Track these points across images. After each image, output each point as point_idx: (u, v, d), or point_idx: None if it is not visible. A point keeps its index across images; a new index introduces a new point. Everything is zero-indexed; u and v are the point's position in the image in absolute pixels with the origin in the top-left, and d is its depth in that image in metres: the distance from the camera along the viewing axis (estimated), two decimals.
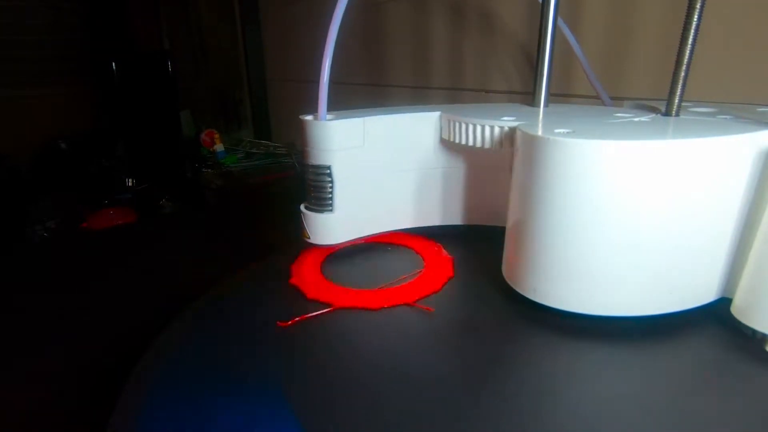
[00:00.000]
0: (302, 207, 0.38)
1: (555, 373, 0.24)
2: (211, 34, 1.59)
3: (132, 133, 1.37)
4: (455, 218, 0.42)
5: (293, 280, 0.34)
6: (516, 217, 0.30)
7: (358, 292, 0.33)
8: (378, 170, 0.38)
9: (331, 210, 0.37)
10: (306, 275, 0.35)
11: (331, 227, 0.38)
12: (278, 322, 0.29)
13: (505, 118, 0.32)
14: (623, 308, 0.27)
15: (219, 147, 1.28)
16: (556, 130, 0.27)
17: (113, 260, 0.55)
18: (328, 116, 0.36)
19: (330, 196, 0.37)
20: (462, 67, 0.71)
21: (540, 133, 0.27)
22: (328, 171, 0.36)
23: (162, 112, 1.37)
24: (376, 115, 0.37)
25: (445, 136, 0.37)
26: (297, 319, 0.30)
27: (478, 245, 0.39)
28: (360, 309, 0.31)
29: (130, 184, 1.32)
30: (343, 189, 0.37)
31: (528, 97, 0.42)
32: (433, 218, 0.42)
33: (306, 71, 1.10)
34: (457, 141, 0.35)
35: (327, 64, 0.33)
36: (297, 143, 1.21)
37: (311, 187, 0.37)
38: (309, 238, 0.38)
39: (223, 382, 0.25)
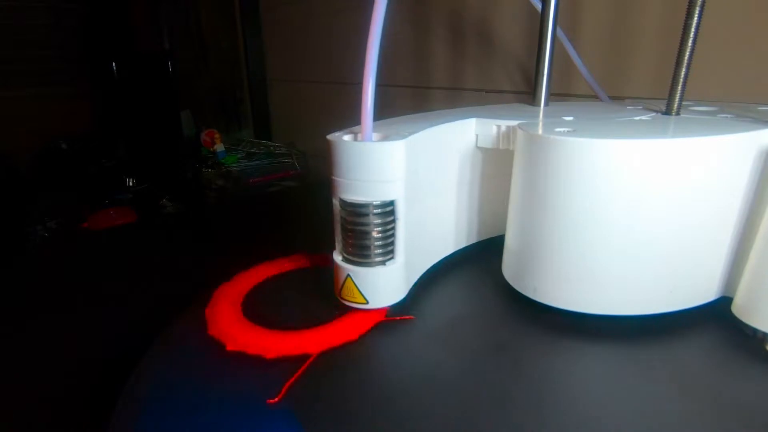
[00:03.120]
0: (341, 261, 0.29)
1: (555, 373, 0.24)
2: (211, 34, 1.58)
3: (132, 133, 1.37)
4: (490, 231, 0.38)
5: (231, 347, 0.27)
6: (517, 217, 0.30)
7: (322, 330, 0.28)
8: (422, 194, 0.30)
9: (392, 258, 0.29)
10: (241, 336, 0.28)
11: (396, 280, 0.29)
12: (268, 401, 0.23)
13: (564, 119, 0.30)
14: (624, 307, 0.27)
15: (219, 147, 1.28)
16: (557, 129, 0.27)
17: (113, 260, 0.55)
18: (374, 135, 0.27)
19: (392, 240, 0.28)
20: (462, 67, 0.71)
21: (540, 132, 0.27)
22: (390, 208, 0.27)
23: (162, 112, 1.37)
24: (423, 124, 0.30)
25: (488, 144, 0.33)
26: (285, 386, 0.24)
27: (491, 245, 0.38)
28: (341, 346, 0.27)
29: (130, 184, 1.32)
30: (404, 227, 0.28)
31: (528, 96, 0.42)
32: (472, 236, 0.37)
33: (306, 71, 1.10)
34: (503, 147, 0.32)
35: (371, 71, 0.25)
36: (297, 143, 1.21)
37: (361, 233, 0.27)
38: (367, 302, 0.29)
39: (223, 383, 0.25)
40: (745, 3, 0.42)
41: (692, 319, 0.28)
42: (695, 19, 0.29)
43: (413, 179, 0.28)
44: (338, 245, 0.29)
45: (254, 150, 1.26)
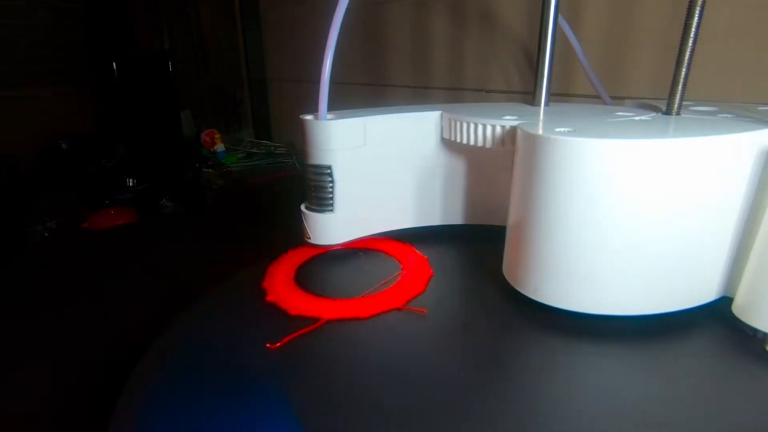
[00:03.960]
0: (303, 207, 0.38)
1: (556, 372, 0.24)
2: (211, 34, 1.58)
3: (132, 133, 1.37)
4: (455, 218, 0.42)
5: (270, 298, 0.32)
6: (517, 216, 0.30)
7: (342, 302, 0.31)
8: (379, 170, 0.38)
9: (331, 210, 0.37)
10: (282, 291, 0.33)
11: (332, 227, 0.38)
12: (267, 344, 0.26)
13: (507, 117, 0.32)
14: (624, 307, 0.27)
15: (219, 147, 1.28)
16: (557, 129, 0.27)
17: (113, 260, 0.55)
18: (329, 116, 0.35)
19: (330, 196, 0.37)
20: (462, 67, 0.71)
21: (540, 132, 0.27)
22: (329, 171, 0.36)
23: (162, 112, 1.37)
24: (377, 114, 0.37)
25: (446, 136, 0.37)
26: (287, 339, 0.27)
27: (492, 245, 0.38)
28: (350, 320, 0.29)
29: (130, 184, 1.32)
30: (343, 189, 0.37)
31: (528, 96, 0.42)
32: (434, 218, 0.42)
33: (306, 71, 1.10)
34: (458, 140, 0.35)
35: (328, 64, 0.33)
36: (297, 143, 1.21)
37: (312, 187, 0.37)
38: (309, 238, 0.38)
39: (223, 383, 0.25)
40: (745, 3, 0.42)
41: (692, 319, 0.28)
42: (695, 18, 0.29)
43: (359, 153, 0.36)
44: (306, 198, 0.38)
45: (254, 150, 1.26)
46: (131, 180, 1.32)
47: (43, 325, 0.41)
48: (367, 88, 0.89)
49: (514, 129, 0.31)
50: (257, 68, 1.31)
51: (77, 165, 1.50)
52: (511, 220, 0.30)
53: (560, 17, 0.40)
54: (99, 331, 0.40)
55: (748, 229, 0.26)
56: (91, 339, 0.39)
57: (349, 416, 0.22)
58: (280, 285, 0.33)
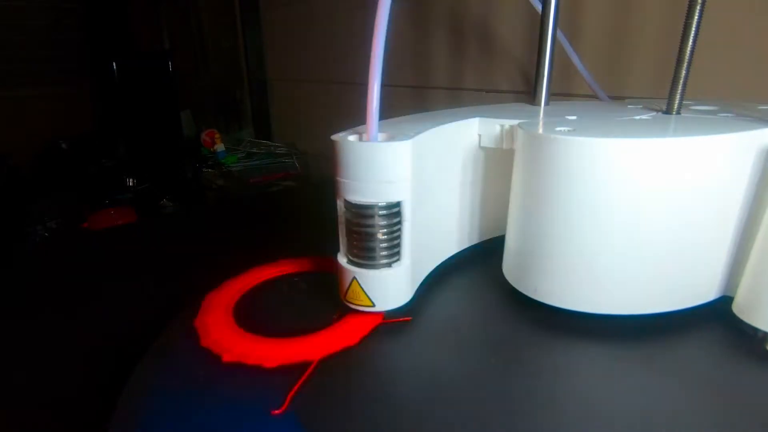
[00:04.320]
0: (347, 264, 0.28)
1: (556, 372, 0.24)
2: (211, 34, 1.58)
3: (132, 133, 1.37)
4: (491, 232, 0.37)
5: (227, 358, 0.26)
6: (517, 216, 0.30)
7: (320, 336, 0.27)
8: (427, 193, 0.30)
9: (398, 260, 0.28)
10: (236, 345, 0.27)
11: (402, 282, 0.28)
12: (272, 412, 0.22)
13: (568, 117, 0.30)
14: (624, 307, 0.27)
15: (219, 147, 1.27)
16: (557, 129, 0.27)
17: (113, 260, 0.55)
18: (380, 136, 0.27)
19: (398, 242, 0.28)
20: (462, 67, 0.71)
21: (541, 131, 0.27)
22: (397, 209, 0.27)
23: (162, 112, 1.37)
24: (428, 124, 0.30)
25: (492, 144, 0.32)
26: (289, 396, 0.23)
27: (493, 245, 0.38)
28: (341, 351, 0.26)
29: (130, 184, 1.32)
30: (412, 229, 0.28)
31: (528, 96, 0.42)
32: (474, 237, 0.36)
33: (306, 71, 1.10)
34: (506, 147, 0.31)
35: (377, 70, 0.25)
36: (298, 143, 1.21)
37: (366, 235, 0.27)
38: (373, 305, 0.28)
39: (225, 383, 0.25)
40: (745, 2, 0.42)
41: (693, 319, 0.28)
42: (696, 18, 0.29)
43: (419, 179, 0.27)
44: (343, 247, 0.28)
45: (254, 150, 1.26)
46: (131, 180, 1.32)
47: (43, 325, 0.41)
48: (365, 88, 0.88)
49: (515, 129, 0.31)
50: (257, 68, 1.31)
51: (77, 165, 1.50)
52: (512, 219, 0.30)
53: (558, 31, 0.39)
54: (99, 331, 0.40)
55: (748, 228, 0.26)
56: (91, 339, 0.39)
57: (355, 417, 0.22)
58: (228, 334, 0.28)
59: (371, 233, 0.27)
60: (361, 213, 0.26)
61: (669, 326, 0.27)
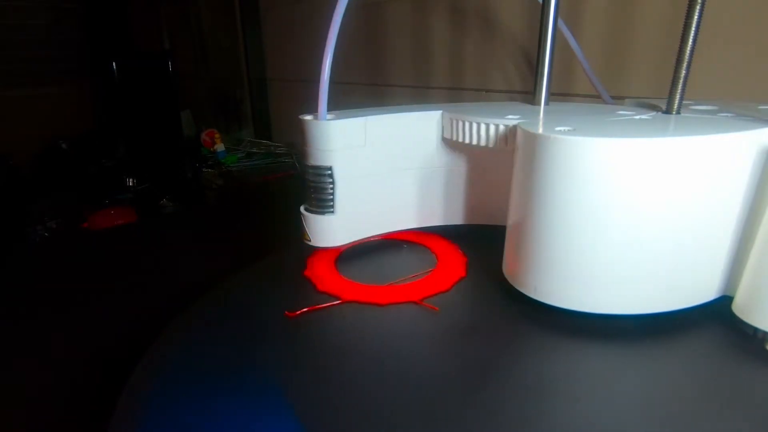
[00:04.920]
0: (302, 209, 0.38)
1: (556, 372, 0.24)
2: (211, 34, 1.58)
3: (132, 133, 1.37)
4: (457, 218, 0.42)
5: (307, 272, 0.35)
6: (517, 216, 0.30)
7: (367, 287, 0.33)
8: (380, 170, 0.38)
9: (332, 211, 0.37)
10: (320, 268, 0.36)
11: (332, 229, 0.37)
12: (286, 312, 0.30)
13: (509, 117, 0.32)
14: (624, 306, 0.27)
15: (219, 147, 1.27)
16: (557, 128, 0.27)
17: (113, 260, 0.55)
18: (329, 116, 0.35)
19: (331, 197, 0.36)
20: (462, 67, 0.71)
21: (541, 131, 0.27)
22: (329, 172, 0.35)
23: (162, 112, 1.37)
24: (377, 114, 0.37)
25: (448, 135, 0.37)
26: (305, 309, 0.30)
27: (493, 245, 0.38)
28: (367, 303, 0.31)
29: (130, 184, 1.32)
30: (344, 190, 0.36)
31: (528, 96, 0.42)
32: (435, 218, 0.42)
33: (306, 71, 1.10)
34: (460, 140, 0.35)
35: (327, 63, 0.33)
36: (297, 143, 1.21)
37: (311, 188, 0.36)
38: (310, 240, 0.37)
39: (224, 382, 0.25)
40: (745, 2, 0.42)
41: (692, 319, 0.28)
42: (695, 17, 0.29)
43: (361, 154, 0.36)
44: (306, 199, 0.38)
45: (254, 150, 1.26)
46: (131, 180, 1.32)
47: (43, 325, 0.41)
48: (367, 88, 0.89)
49: (515, 128, 0.31)
50: (257, 68, 1.31)
51: (77, 165, 1.50)
52: (511, 219, 0.30)
53: (560, 21, 0.40)
54: (99, 331, 0.40)
55: (748, 228, 0.26)
56: (91, 339, 0.39)
57: (346, 407, 0.22)
58: (321, 262, 0.37)
59: (313, 187, 0.36)
60: (308, 172, 0.36)
61: (669, 326, 0.27)
